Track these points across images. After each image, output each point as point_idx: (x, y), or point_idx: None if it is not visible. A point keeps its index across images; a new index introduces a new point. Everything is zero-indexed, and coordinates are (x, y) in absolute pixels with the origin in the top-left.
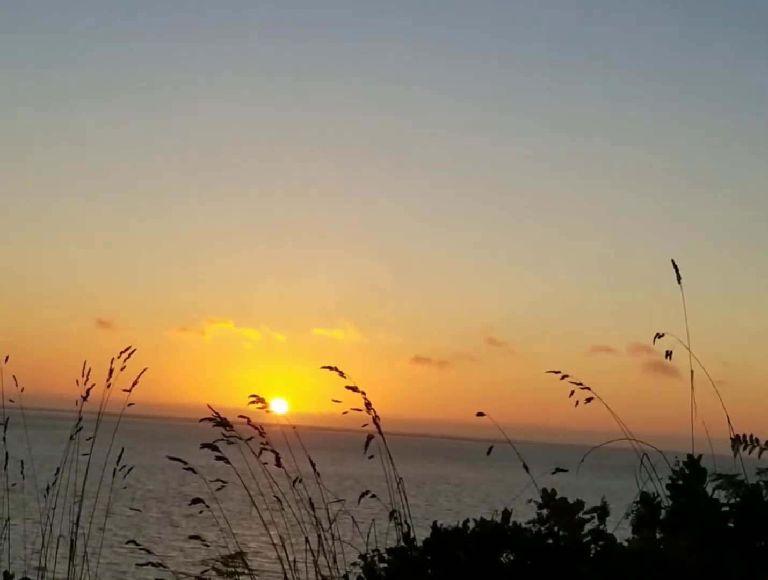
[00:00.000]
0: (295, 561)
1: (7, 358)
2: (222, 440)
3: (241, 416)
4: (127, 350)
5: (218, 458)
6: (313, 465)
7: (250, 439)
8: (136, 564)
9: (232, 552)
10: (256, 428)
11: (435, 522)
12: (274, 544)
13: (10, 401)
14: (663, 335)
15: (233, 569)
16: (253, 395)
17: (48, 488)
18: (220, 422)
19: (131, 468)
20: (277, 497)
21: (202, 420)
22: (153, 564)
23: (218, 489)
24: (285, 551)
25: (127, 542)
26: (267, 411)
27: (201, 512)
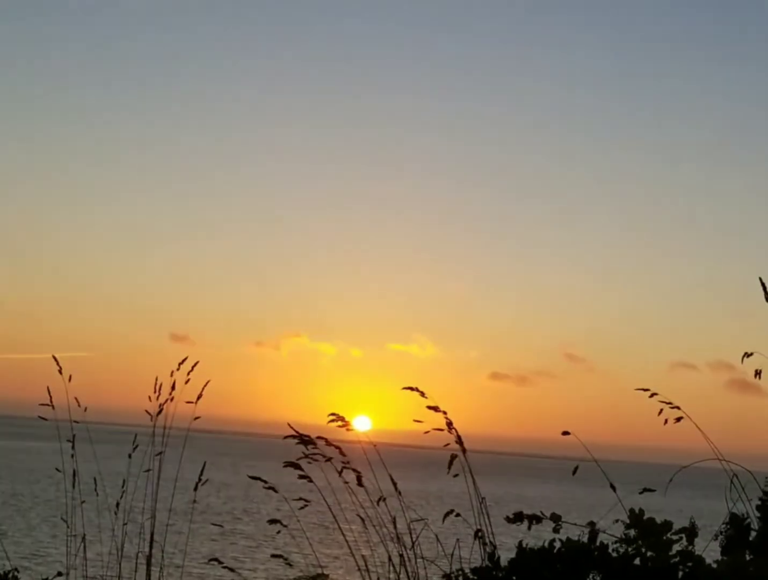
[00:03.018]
0: (379, 577)
1: (70, 377)
2: (304, 458)
3: (319, 437)
4: (184, 360)
5: (301, 477)
6: (395, 483)
7: (329, 459)
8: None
9: (314, 573)
10: (335, 447)
11: (520, 542)
12: (357, 563)
13: (75, 421)
14: (752, 354)
15: None
16: (333, 414)
17: (117, 504)
18: (303, 440)
19: (205, 481)
20: (360, 516)
21: (286, 438)
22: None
23: (301, 508)
24: (368, 570)
25: (210, 560)
26: (348, 429)
27: (278, 532)
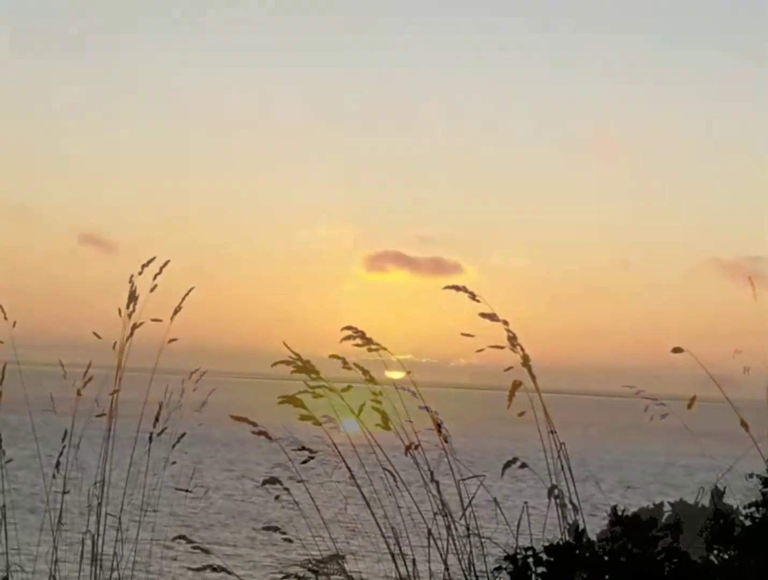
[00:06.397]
0: (414, 562)
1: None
2: (307, 391)
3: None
4: (151, 260)
5: (298, 451)
6: (437, 425)
7: (348, 387)
8: (188, 568)
9: (323, 555)
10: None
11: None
12: (385, 539)
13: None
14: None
15: (326, 578)
16: (349, 328)
17: (57, 465)
18: (303, 366)
19: (182, 435)
20: (389, 471)
21: (275, 364)
22: (214, 568)
23: (304, 462)
24: (400, 549)
25: (175, 538)
26: (369, 350)
27: (278, 497)
